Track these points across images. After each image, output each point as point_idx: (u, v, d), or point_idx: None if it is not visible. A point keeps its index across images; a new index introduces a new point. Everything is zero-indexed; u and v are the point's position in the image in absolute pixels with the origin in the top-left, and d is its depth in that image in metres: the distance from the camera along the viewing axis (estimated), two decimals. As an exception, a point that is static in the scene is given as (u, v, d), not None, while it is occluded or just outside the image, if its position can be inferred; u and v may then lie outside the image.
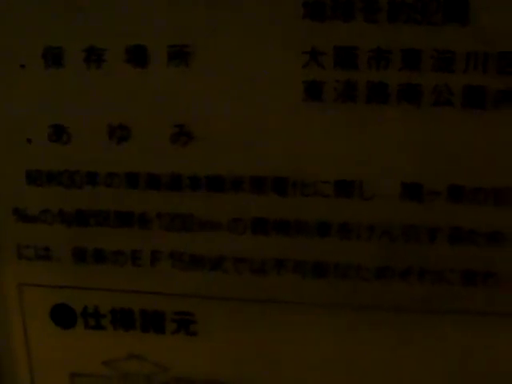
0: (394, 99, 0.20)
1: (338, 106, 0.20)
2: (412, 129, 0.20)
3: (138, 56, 0.20)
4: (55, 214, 0.22)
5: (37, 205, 0.22)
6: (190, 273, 0.22)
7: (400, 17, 0.19)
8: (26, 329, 0.23)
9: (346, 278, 0.21)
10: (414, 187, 0.20)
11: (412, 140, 0.20)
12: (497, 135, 0.20)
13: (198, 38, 0.20)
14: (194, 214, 0.21)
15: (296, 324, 0.22)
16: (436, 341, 0.22)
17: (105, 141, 0.21)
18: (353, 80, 0.20)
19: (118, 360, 0.23)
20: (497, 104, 0.20)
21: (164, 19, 0.20)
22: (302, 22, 0.19)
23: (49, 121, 0.21)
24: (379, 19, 0.19)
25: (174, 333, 0.23)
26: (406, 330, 0.22)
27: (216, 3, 0.20)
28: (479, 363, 0.22)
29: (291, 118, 0.20)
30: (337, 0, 0.19)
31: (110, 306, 0.23)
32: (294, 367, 0.22)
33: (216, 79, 0.20)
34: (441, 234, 0.21)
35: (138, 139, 0.21)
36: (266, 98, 0.20)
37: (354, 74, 0.20)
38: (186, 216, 0.21)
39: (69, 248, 0.22)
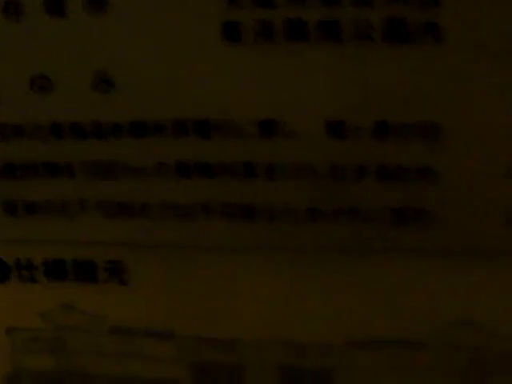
0: (314, 36, 0.20)
1: (257, 45, 0.20)
2: (333, 66, 0.20)
3: (55, 5, 0.20)
4: (-18, 168, 0.22)
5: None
6: (117, 220, 0.22)
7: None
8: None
9: (274, 221, 0.21)
10: (338, 125, 0.20)
11: (334, 77, 0.20)
12: (419, 70, 0.20)
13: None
14: (119, 161, 0.21)
15: (228, 269, 0.22)
16: (369, 280, 0.22)
17: (27, 92, 0.21)
18: (270, 18, 0.19)
19: (53, 312, 0.23)
20: (418, 38, 0.19)
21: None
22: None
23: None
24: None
25: (107, 282, 0.22)
26: (339, 270, 0.22)
27: None
28: (413, 302, 0.22)
29: (211, 60, 0.20)
30: None
31: (42, 258, 0.23)
32: (228, 313, 0.22)
33: (134, 25, 0.20)
34: (368, 172, 0.21)
35: (60, 89, 0.21)
36: (186, 41, 0.20)
37: (271, 12, 0.19)
38: (110, 163, 0.21)
39: (-2, 201, 0.22)
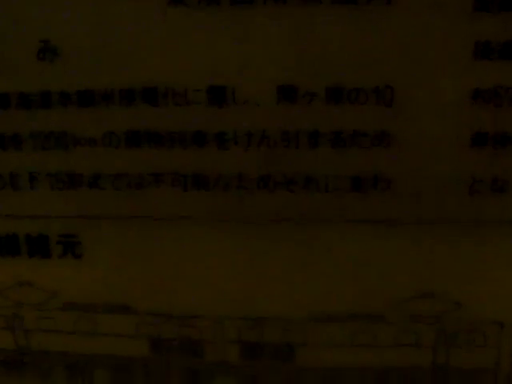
0: (261, 0, 0.19)
1: (202, 9, 0.19)
2: (281, 30, 0.19)
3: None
4: None
5: None
6: (68, 193, 0.21)
7: None
8: None
9: (228, 189, 0.21)
10: (290, 90, 0.20)
11: (283, 41, 0.19)
12: (370, 32, 0.19)
13: None
14: (67, 131, 0.21)
15: (182, 240, 0.21)
16: (328, 252, 0.21)
17: None
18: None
19: (8, 288, 0.23)
20: (368, -1, 0.19)
21: None
22: None
23: None
24: None
25: (61, 257, 0.22)
26: (295, 241, 0.21)
27: None
28: (374, 274, 0.21)
29: (157, 25, 0.19)
30: None
31: (-6, 234, 0.22)
32: (184, 284, 0.22)
33: None
34: (323, 138, 0.20)
35: (5, 59, 0.20)
36: (129, 7, 0.19)
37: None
38: (59, 134, 0.21)
39: None
